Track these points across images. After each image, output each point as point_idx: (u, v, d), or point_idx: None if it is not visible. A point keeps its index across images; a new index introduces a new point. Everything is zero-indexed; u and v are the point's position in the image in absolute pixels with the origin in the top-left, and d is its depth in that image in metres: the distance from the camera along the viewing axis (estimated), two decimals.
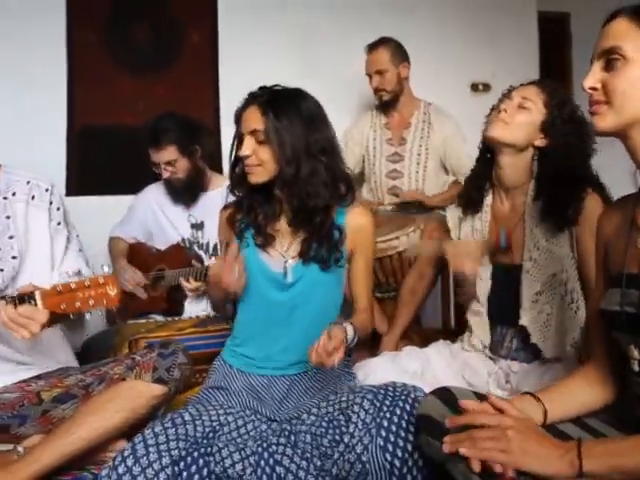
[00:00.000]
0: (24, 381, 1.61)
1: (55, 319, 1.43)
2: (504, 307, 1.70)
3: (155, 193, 2.59)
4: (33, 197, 1.69)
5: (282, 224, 1.63)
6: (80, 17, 2.98)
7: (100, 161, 2.98)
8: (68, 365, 1.71)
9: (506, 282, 1.70)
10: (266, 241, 1.60)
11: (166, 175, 2.42)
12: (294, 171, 1.52)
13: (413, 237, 2.34)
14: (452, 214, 1.88)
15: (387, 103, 2.76)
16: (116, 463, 1.29)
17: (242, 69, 3.13)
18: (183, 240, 2.51)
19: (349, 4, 3.34)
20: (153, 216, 2.57)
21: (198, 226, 2.50)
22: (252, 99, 1.57)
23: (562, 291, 1.62)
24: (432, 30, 3.40)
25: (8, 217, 1.65)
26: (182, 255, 2.43)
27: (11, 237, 1.64)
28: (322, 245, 1.58)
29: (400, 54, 2.73)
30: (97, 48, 3.01)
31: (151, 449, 1.30)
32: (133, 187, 2.70)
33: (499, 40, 3.51)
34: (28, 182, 1.70)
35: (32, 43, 2.90)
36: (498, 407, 1.15)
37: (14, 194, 1.67)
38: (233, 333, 1.69)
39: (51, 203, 1.71)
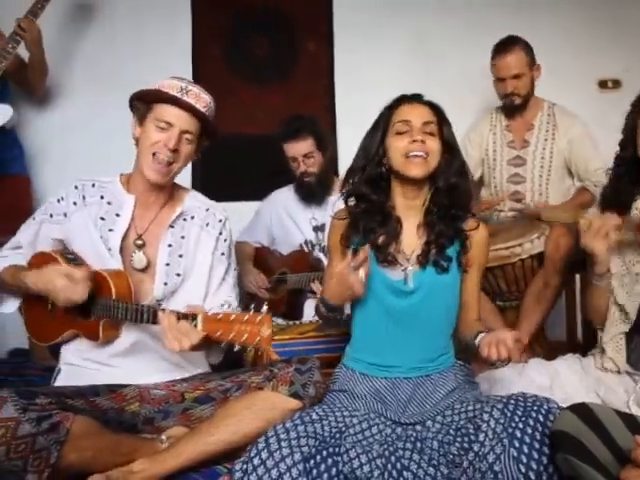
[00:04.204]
0: (172, 381, 1.72)
1: (206, 344, 1.53)
2: None
3: (282, 197, 2.71)
4: (207, 224, 1.80)
5: (406, 242, 1.64)
6: (204, 33, 3.16)
7: (223, 169, 3.12)
8: (203, 370, 1.80)
9: None
10: (387, 260, 1.61)
11: (303, 169, 2.55)
12: (455, 166, 1.62)
13: (538, 244, 2.26)
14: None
15: (517, 107, 2.64)
16: (251, 455, 1.34)
17: (357, 76, 3.18)
18: (306, 242, 2.60)
19: (462, 4, 3.27)
20: (278, 219, 2.69)
21: (320, 228, 2.59)
22: (415, 98, 1.66)
23: None
24: (551, 24, 3.22)
25: (182, 237, 1.76)
26: (304, 259, 2.52)
27: (180, 256, 1.74)
28: (444, 248, 1.60)
29: (532, 55, 2.60)
30: (219, 61, 3.17)
31: (283, 443, 1.34)
32: (255, 194, 2.82)
33: (630, 30, 3.25)
34: (207, 209, 1.81)
35: (161, 59, 3.11)
36: None
37: (192, 217, 1.79)
38: (352, 340, 1.71)
39: (220, 233, 1.80)
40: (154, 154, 1.68)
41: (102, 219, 1.72)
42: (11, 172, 2.62)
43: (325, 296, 1.61)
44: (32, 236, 1.77)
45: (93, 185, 1.77)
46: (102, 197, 1.75)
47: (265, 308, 1.47)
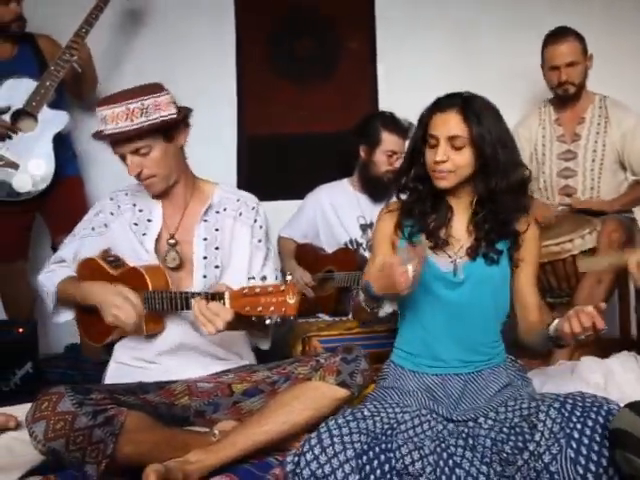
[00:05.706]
0: (216, 374, 1.76)
1: (240, 321, 1.55)
2: None
3: (329, 192, 2.71)
4: (241, 214, 1.82)
5: (456, 229, 1.64)
6: (248, 34, 3.20)
7: (268, 168, 3.16)
8: (249, 362, 1.84)
9: None
10: (438, 245, 1.62)
11: (396, 166, 2.52)
12: (492, 169, 1.56)
13: (589, 239, 2.21)
14: None
15: (569, 97, 2.57)
16: (304, 450, 1.35)
17: (400, 74, 3.16)
18: (351, 241, 2.60)
19: None
20: (323, 216, 2.69)
21: (368, 226, 2.59)
22: (447, 105, 1.59)
23: None
24: (601, 12, 3.14)
25: (217, 230, 1.80)
26: (352, 258, 2.52)
27: (217, 248, 1.78)
28: (493, 243, 1.60)
29: (585, 44, 2.55)
30: (263, 62, 3.21)
31: (336, 439, 1.34)
32: (300, 192, 2.83)
33: None
34: (238, 200, 1.84)
35: (206, 63, 3.17)
36: None
37: (225, 209, 1.82)
38: (400, 335, 1.71)
39: (255, 221, 1.82)
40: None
41: (135, 224, 1.80)
42: (66, 173, 2.70)
43: (370, 282, 1.54)
44: (74, 251, 1.84)
45: (126, 194, 1.86)
46: (134, 205, 1.83)
47: (289, 277, 1.49)
